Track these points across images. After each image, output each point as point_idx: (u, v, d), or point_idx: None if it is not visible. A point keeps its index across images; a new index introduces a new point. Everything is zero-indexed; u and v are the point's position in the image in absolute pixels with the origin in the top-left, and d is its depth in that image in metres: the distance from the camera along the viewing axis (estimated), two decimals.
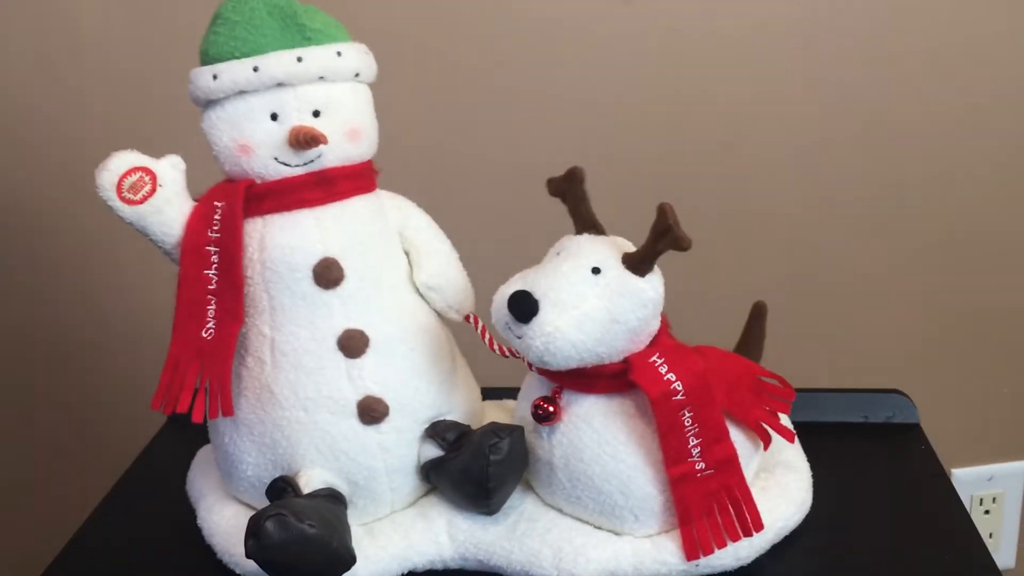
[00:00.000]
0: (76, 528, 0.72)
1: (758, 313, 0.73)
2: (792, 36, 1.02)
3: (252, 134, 0.62)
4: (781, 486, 0.67)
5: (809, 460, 0.71)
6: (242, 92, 0.61)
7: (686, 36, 1.01)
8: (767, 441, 0.66)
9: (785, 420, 0.70)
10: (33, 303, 1.06)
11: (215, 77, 0.61)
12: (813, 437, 0.74)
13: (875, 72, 1.03)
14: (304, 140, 0.61)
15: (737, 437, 0.63)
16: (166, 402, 0.62)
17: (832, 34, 1.02)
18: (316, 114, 0.63)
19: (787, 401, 0.68)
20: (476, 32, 1.00)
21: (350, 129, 0.63)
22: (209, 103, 0.63)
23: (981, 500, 1.19)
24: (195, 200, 0.64)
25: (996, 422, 1.17)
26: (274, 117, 0.62)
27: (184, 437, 0.77)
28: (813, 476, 0.70)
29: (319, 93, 0.62)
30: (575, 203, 0.63)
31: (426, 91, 1.00)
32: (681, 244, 0.57)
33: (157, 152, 0.64)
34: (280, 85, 0.62)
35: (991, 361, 1.15)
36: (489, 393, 0.76)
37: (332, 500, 0.62)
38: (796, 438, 0.71)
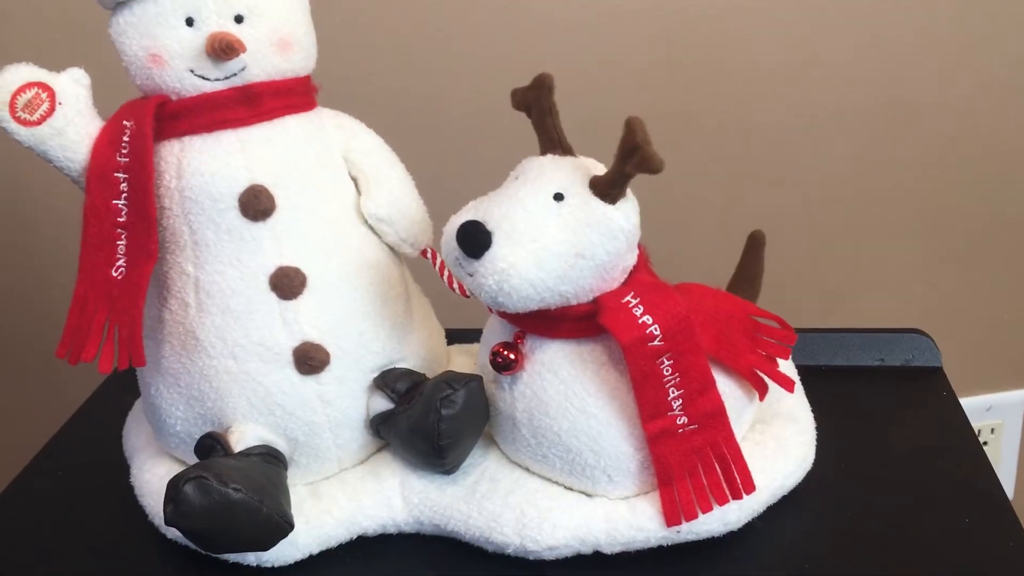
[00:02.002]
0: (7, 482, 0.66)
1: (755, 244, 0.65)
2: None
3: (164, 42, 0.54)
4: (779, 440, 0.59)
5: (815, 410, 0.64)
6: None
7: None
8: (762, 390, 0.58)
9: (786, 366, 0.63)
10: None
11: None
12: (821, 383, 0.67)
13: None
14: (220, 48, 0.53)
15: (726, 387, 0.56)
16: (72, 350, 0.55)
17: None
18: (239, 19, 0.54)
19: (786, 345, 0.60)
20: None
21: (279, 39, 0.55)
22: (117, 5, 0.55)
23: (979, 431, 1.14)
24: (104, 120, 0.56)
25: (994, 351, 1.11)
26: (190, 22, 0.54)
27: (131, 387, 0.70)
28: (819, 428, 0.62)
29: None
30: (541, 115, 0.54)
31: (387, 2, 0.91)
32: (651, 165, 0.48)
33: (63, 66, 0.56)
34: None
35: (989, 288, 1.07)
36: (459, 335, 0.69)
37: (267, 459, 0.56)
38: (799, 386, 0.64)
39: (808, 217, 1.00)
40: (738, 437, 0.56)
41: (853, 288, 1.03)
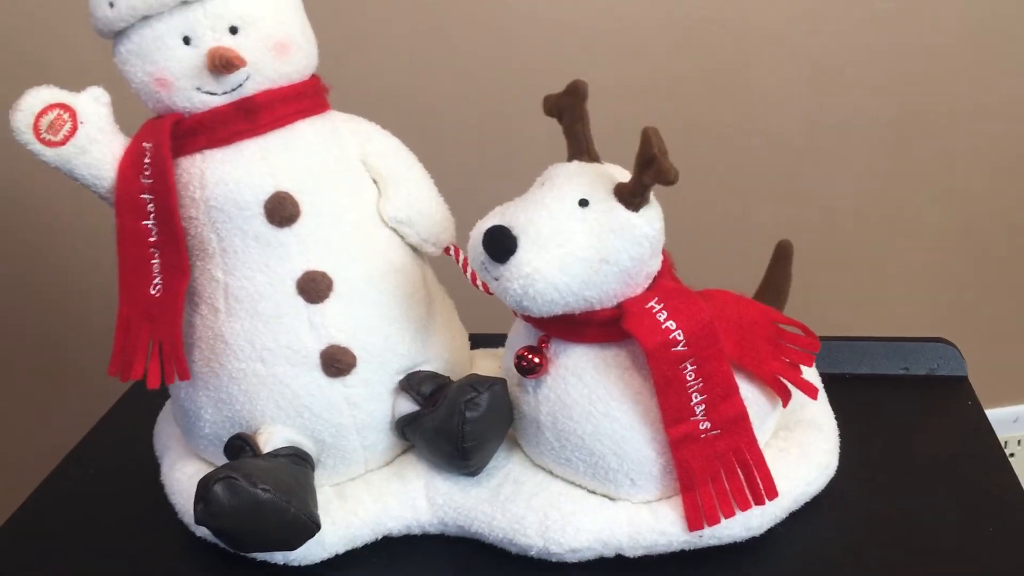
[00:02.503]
0: (39, 481, 0.67)
1: (782, 254, 0.65)
2: None
3: (167, 64, 0.55)
4: (802, 447, 0.59)
5: (839, 417, 0.64)
6: (146, 18, 0.54)
7: None
8: (785, 397, 0.58)
9: (809, 373, 0.63)
10: None
11: (111, 4, 0.54)
12: (845, 391, 0.67)
13: None
14: (220, 64, 0.54)
15: (749, 393, 0.56)
16: (121, 369, 0.57)
17: None
18: (233, 31, 0.55)
19: (810, 352, 0.60)
20: None
21: (276, 43, 0.56)
22: (116, 36, 0.56)
23: (1005, 443, 1.13)
24: (129, 137, 0.57)
25: (1022, 361, 1.10)
26: (187, 41, 0.55)
27: (162, 389, 0.71)
28: (843, 435, 0.62)
29: (232, 6, 0.55)
30: (572, 122, 0.55)
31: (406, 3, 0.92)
32: (666, 176, 0.49)
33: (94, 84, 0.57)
34: (186, 3, 0.54)
35: (1016, 297, 1.06)
36: (483, 339, 0.70)
37: (295, 460, 0.56)
38: (822, 393, 0.64)
39: (833, 224, 0.99)
40: (761, 443, 0.56)
41: (878, 296, 1.02)
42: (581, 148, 0.55)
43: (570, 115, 0.55)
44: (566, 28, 0.93)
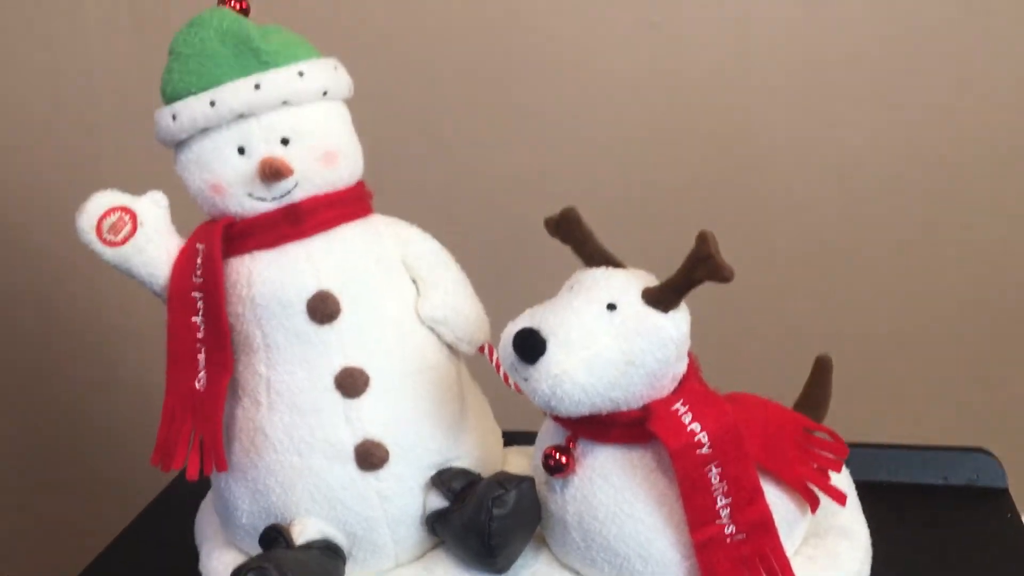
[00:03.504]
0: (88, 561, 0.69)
1: (822, 368, 0.65)
2: (829, 36, 0.93)
3: (222, 172, 0.59)
4: (831, 555, 0.59)
5: (874, 526, 0.63)
6: (204, 129, 0.58)
7: (706, 36, 0.93)
8: (814, 503, 0.58)
9: (840, 479, 0.63)
10: (50, 341, 1.07)
11: (174, 117, 0.58)
12: (882, 500, 0.66)
13: (926, 67, 0.93)
14: (270, 174, 0.57)
15: (776, 498, 0.56)
16: (163, 459, 0.60)
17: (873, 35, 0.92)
18: (285, 142, 0.59)
19: (839, 458, 0.60)
20: (487, 44, 0.95)
21: (324, 153, 0.60)
22: (177, 145, 0.60)
23: None
24: (183, 238, 0.61)
25: None
26: (241, 151, 0.59)
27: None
28: (876, 545, 0.62)
29: (284, 119, 0.59)
30: (577, 245, 0.57)
31: (437, 104, 0.96)
32: (723, 274, 0.51)
33: (155, 187, 0.62)
34: (242, 116, 0.58)
35: None
36: (517, 437, 0.71)
37: (326, 553, 0.58)
38: (854, 500, 0.64)
39: (866, 328, 0.98)
40: (790, 550, 0.56)
41: (915, 403, 1.01)
42: (598, 262, 0.57)
43: (572, 241, 0.58)
44: (595, 122, 0.96)
